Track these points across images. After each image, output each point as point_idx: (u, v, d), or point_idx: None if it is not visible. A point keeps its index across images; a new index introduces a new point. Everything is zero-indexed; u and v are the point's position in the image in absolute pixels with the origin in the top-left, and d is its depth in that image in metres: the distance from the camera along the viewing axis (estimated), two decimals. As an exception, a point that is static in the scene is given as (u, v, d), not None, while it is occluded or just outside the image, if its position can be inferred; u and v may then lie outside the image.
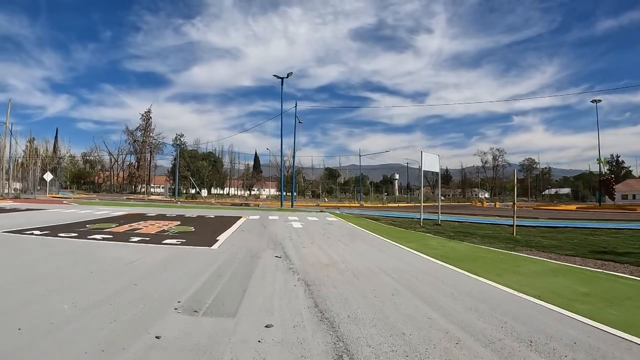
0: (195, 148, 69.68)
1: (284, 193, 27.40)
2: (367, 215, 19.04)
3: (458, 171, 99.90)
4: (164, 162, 74.95)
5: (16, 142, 66.83)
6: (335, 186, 79.24)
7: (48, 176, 36.28)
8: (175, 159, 56.68)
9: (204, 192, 62.80)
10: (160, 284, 4.15)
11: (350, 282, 4.56)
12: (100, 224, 10.57)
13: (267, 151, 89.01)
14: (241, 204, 32.53)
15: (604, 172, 69.52)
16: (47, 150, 74.70)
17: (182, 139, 64.44)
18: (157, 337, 2.60)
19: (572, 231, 12.06)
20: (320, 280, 4.57)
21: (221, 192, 72.89)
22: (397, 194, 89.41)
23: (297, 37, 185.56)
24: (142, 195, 51.73)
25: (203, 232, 9.22)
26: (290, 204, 27.51)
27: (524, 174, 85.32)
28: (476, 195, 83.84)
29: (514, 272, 5.37)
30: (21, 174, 64.94)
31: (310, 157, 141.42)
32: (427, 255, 6.73)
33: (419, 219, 14.18)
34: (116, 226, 10.05)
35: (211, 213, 17.04)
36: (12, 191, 47.66)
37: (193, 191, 56.70)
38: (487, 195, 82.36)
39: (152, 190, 69.25)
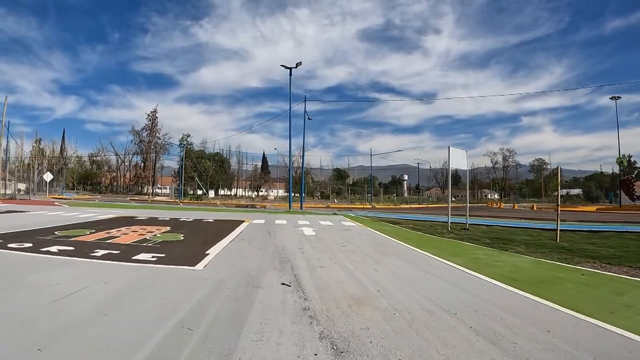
0: (202, 148, 68.39)
1: (292, 194, 25.54)
2: (384, 219, 17.07)
3: (467, 172, 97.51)
4: (171, 162, 73.77)
5: (15, 142, 66.54)
6: (344, 187, 77.46)
7: (48, 176, 35.02)
8: (181, 159, 55.33)
9: (211, 193, 61.38)
10: (80, 349, 2.29)
11: (407, 339, 2.66)
12: (73, 230, 8.84)
13: (275, 151, 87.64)
14: (247, 206, 30.79)
15: (618, 173, 67.62)
16: (53, 151, 74.26)
17: (188, 139, 63.19)
18: None
19: (616, 236, 10.66)
20: (357, 336, 2.69)
21: (229, 193, 71.41)
22: (406, 194, 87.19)
23: (305, 38, 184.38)
24: (147, 197, 50.39)
25: (192, 242, 7.38)
26: (300, 205, 25.65)
27: (533, 174, 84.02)
28: (485, 196, 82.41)
29: (626, 306, 3.57)
30: (27, 174, 64.52)
31: (319, 157, 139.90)
32: (489, 277, 4.89)
33: (441, 222, 12.33)
34: (90, 233, 8.30)
35: (212, 216, 15.26)
36: (16, 192, 46.85)
37: (200, 192, 55.26)
38: (496, 196, 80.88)
39: (158, 191, 68.14)
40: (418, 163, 73.36)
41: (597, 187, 76.02)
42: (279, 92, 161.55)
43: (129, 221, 11.48)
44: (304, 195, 30.79)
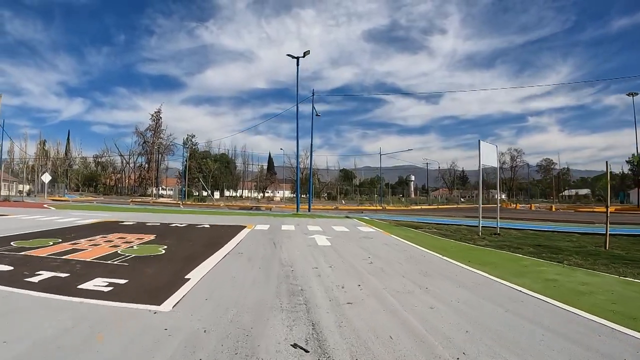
0: (207, 149, 67.04)
1: (299, 195, 23.84)
2: (401, 222, 15.30)
3: (475, 172, 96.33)
4: (177, 164, 72.51)
5: (16, 144, 65.90)
6: (351, 188, 75.70)
7: (46, 178, 33.75)
8: (185, 160, 54.01)
9: (217, 195, 59.96)
10: None
11: None
12: (36, 239, 7.25)
13: (281, 151, 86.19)
14: (251, 208, 29.14)
15: (627, 172, 65.83)
16: (58, 152, 73.55)
17: (193, 140, 61.82)
18: None
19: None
20: None
21: (234, 194, 69.94)
22: (413, 195, 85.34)
23: (311, 39, 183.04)
24: (149, 198, 49.05)
25: (173, 259, 5.70)
26: (308, 207, 23.92)
27: (541, 175, 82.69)
28: (493, 196, 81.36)
29: None
30: (31, 176, 63.72)
31: (325, 156, 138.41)
32: (602, 318, 3.32)
33: (465, 225, 10.64)
34: (53, 244, 6.70)
35: (210, 220, 13.62)
36: (17, 193, 45.84)
37: (205, 194, 53.83)
38: (504, 196, 79.53)
39: (163, 192, 66.92)
40: (427, 163, 71.15)
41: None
42: (285, 93, 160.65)
43: (111, 227, 9.88)
44: (311, 196, 29.09)
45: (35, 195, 44.19)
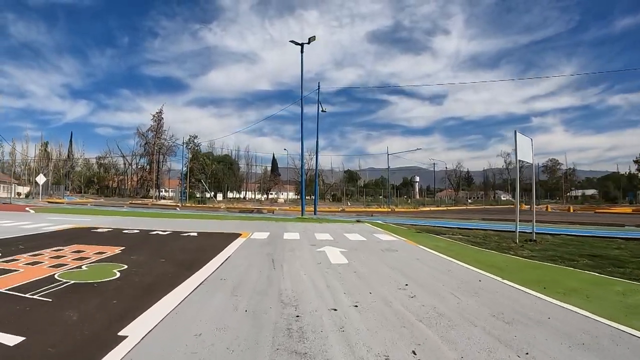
0: (210, 150, 65.54)
1: (304, 197, 22.05)
2: (420, 226, 13.49)
3: (479, 173, 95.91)
4: (179, 165, 71.03)
5: (14, 146, 64.88)
6: (356, 189, 73.95)
7: (40, 179, 32.33)
8: (187, 161, 52.51)
9: (219, 196, 58.38)
10: None
11: None
12: (-35, 254, 5.57)
13: (285, 152, 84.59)
14: (252, 210, 27.41)
15: (634, 172, 64.19)
16: (60, 154, 72.41)
17: (195, 141, 60.29)
18: None
19: None
20: None
21: (237, 196, 68.31)
22: (418, 196, 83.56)
23: (314, 40, 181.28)
24: (149, 200, 47.58)
25: (122, 291, 3.93)
26: (313, 210, 22.14)
27: (546, 175, 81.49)
28: (499, 197, 79.94)
29: None
30: (32, 178, 62.62)
31: (330, 156, 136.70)
32: None
33: (492, 230, 8.82)
34: (-21, 262, 5.01)
35: (202, 226, 11.91)
36: (16, 195, 44.64)
37: (208, 195, 52.26)
38: (509, 197, 78.22)
39: (165, 194, 65.52)
40: (434, 164, 69.03)
41: (614, 187, 73.32)
42: (289, 95, 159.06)
43: (77, 236, 8.20)
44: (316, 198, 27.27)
45: (33, 197, 42.93)
